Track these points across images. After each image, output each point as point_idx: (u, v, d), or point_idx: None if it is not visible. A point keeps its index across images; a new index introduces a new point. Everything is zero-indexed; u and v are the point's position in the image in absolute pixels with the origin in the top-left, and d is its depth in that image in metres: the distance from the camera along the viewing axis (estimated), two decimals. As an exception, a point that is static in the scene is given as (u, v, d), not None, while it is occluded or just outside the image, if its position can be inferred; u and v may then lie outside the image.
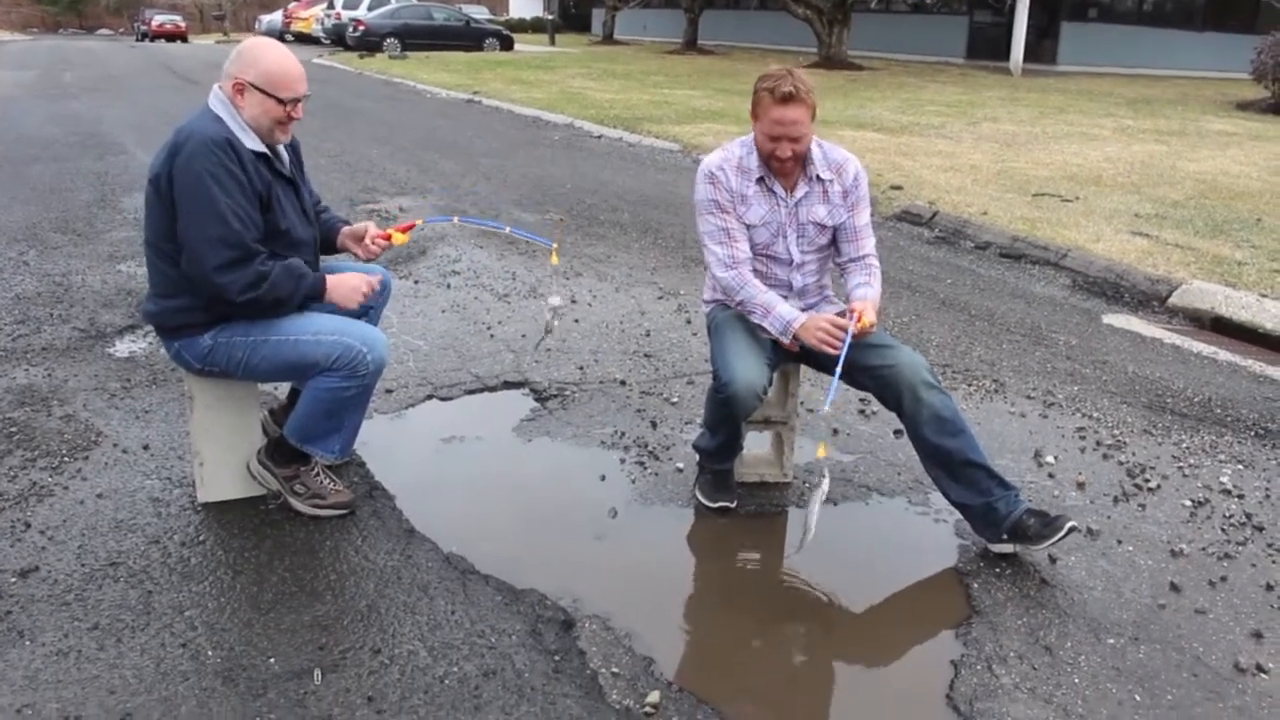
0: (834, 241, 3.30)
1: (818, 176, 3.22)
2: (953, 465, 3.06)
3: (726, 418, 3.14)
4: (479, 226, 2.97)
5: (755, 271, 3.24)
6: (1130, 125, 14.22)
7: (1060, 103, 17.25)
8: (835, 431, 3.96)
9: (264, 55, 2.95)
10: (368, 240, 3.30)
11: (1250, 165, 10.76)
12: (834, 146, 3.32)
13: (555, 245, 3.30)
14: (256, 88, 2.91)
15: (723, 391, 3.04)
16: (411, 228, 3.33)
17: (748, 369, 3.02)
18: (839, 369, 2.93)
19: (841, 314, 3.13)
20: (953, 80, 21.54)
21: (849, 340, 2.96)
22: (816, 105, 3.12)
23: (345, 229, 3.36)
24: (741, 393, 3.00)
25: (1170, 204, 8.41)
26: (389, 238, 3.30)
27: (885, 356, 3.08)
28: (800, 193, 3.22)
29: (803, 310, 3.20)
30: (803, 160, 3.19)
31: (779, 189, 3.21)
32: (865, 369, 3.10)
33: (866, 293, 3.17)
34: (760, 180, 3.21)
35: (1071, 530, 2.96)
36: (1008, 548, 3.09)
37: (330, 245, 3.36)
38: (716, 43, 32.67)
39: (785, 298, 3.21)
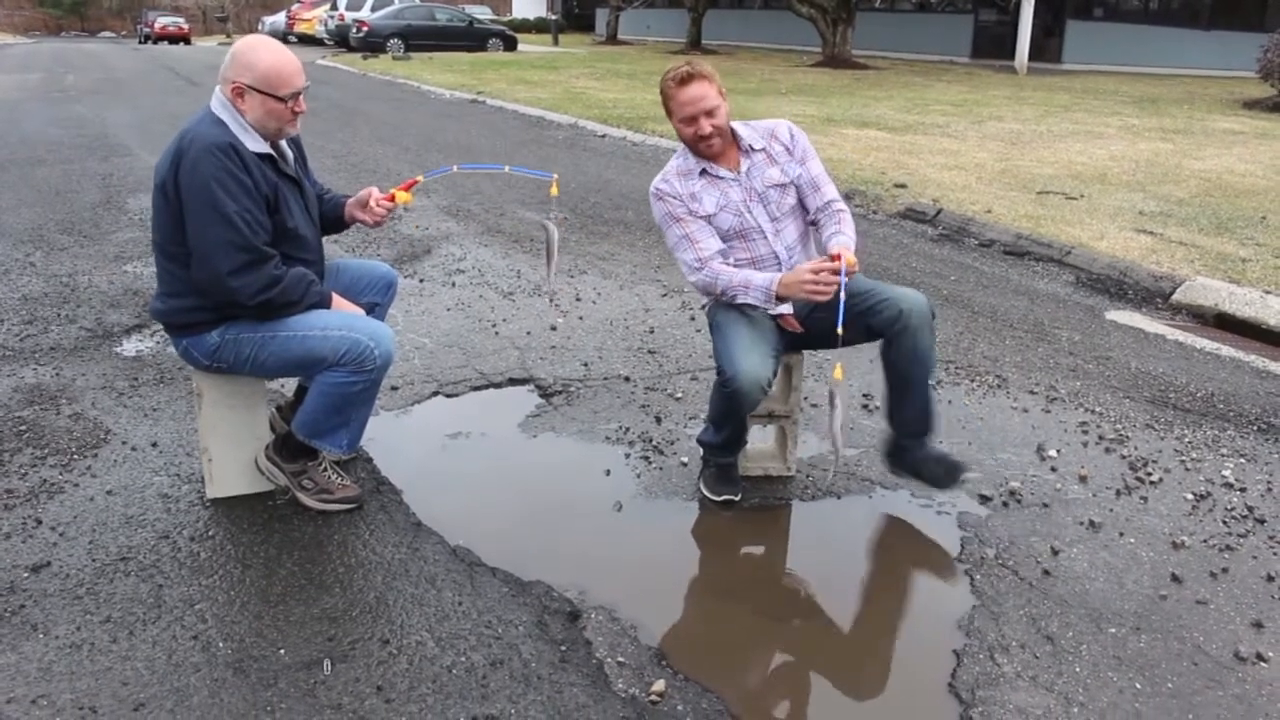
0: (799, 201, 3.33)
1: (752, 148, 3.28)
2: (910, 400, 3.28)
3: (732, 411, 3.16)
4: (479, 170, 3.00)
5: (741, 258, 3.28)
6: (1135, 123, 14.21)
7: (1065, 101, 17.25)
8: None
9: (258, 56, 2.95)
10: (372, 204, 3.31)
11: (1255, 163, 10.76)
12: (756, 121, 3.38)
13: (555, 177, 3.30)
14: (256, 89, 2.93)
15: (728, 385, 3.05)
16: (413, 185, 3.33)
17: (752, 362, 3.04)
18: (843, 295, 2.91)
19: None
20: (958, 79, 21.54)
21: (844, 279, 2.93)
22: (721, 85, 3.19)
23: (350, 200, 3.38)
24: (746, 385, 3.01)
25: (1175, 202, 8.41)
26: (393, 199, 3.31)
27: (884, 291, 3.18)
28: (745, 165, 3.27)
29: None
30: (730, 137, 3.26)
31: (723, 172, 3.26)
32: (867, 310, 3.15)
33: (841, 239, 3.14)
34: (703, 173, 3.27)
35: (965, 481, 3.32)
36: (901, 474, 3.44)
37: (339, 220, 3.38)
38: (720, 42, 32.70)
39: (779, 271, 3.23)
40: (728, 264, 3.25)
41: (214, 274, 2.89)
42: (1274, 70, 17.21)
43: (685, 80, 3.15)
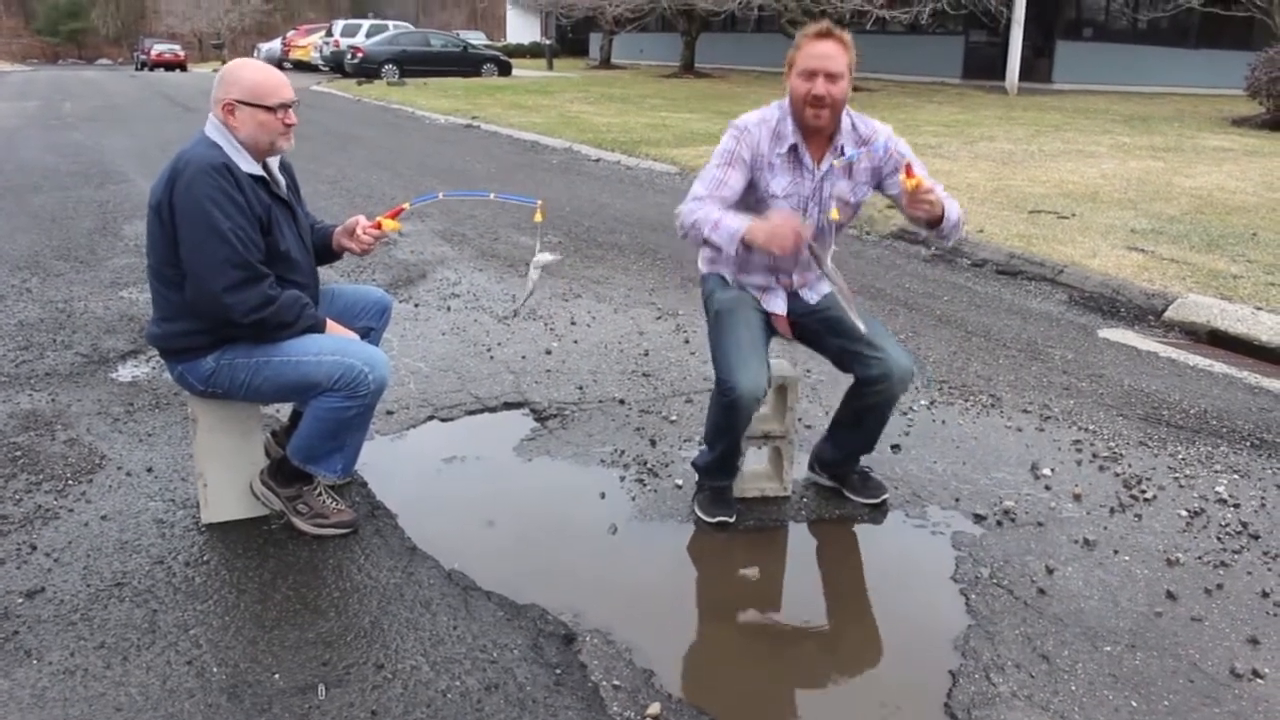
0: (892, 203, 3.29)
1: (843, 150, 3.16)
2: (859, 434, 3.46)
3: (728, 422, 3.18)
4: (464, 198, 3.04)
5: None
6: (1126, 142, 14.29)
7: (1056, 121, 17.33)
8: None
9: (243, 72, 3.03)
10: (359, 232, 3.32)
11: (1245, 180, 10.82)
12: (867, 119, 3.25)
13: (540, 203, 3.29)
14: (245, 103, 2.98)
15: (726, 395, 3.09)
16: (399, 212, 3.34)
17: (749, 374, 3.06)
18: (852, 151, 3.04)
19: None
20: (949, 100, 21.65)
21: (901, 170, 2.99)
22: (854, 64, 3.09)
23: (338, 229, 3.40)
24: (745, 399, 3.06)
25: (1166, 219, 8.45)
26: (379, 226, 3.32)
27: (878, 340, 3.23)
28: (826, 164, 3.18)
29: (799, 286, 3.30)
30: (835, 122, 3.13)
31: (807, 159, 3.16)
32: (853, 349, 3.23)
33: (935, 187, 3.04)
34: (791, 150, 3.15)
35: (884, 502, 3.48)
36: (821, 478, 3.64)
37: (328, 250, 3.40)
38: (713, 66, 32.85)
39: (790, 275, 3.26)
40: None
41: (209, 291, 2.90)
42: (1261, 88, 17.32)
43: (823, 35, 3.05)
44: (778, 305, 3.32)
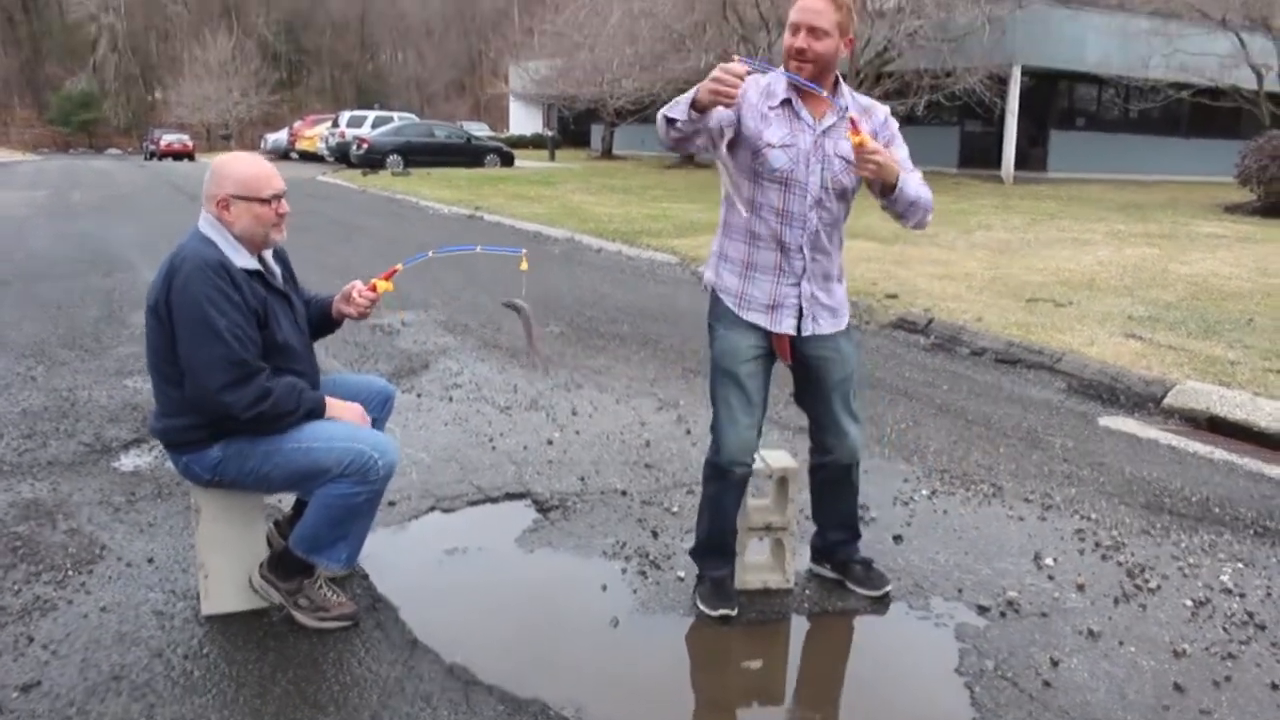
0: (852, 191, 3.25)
1: (846, 110, 3.10)
2: (835, 513, 3.57)
3: (715, 477, 3.31)
4: (453, 253, 3.14)
5: (769, 208, 3.16)
6: (1121, 230, 14.47)
7: (1052, 209, 17.57)
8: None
9: (233, 167, 3.10)
10: (355, 295, 3.39)
11: (1240, 266, 10.94)
12: (867, 97, 3.27)
13: (524, 252, 3.35)
14: (238, 197, 3.05)
15: (715, 455, 3.28)
16: (394, 273, 3.42)
17: (737, 436, 3.22)
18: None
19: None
20: (946, 189, 21.94)
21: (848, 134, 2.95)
22: (849, 26, 3.05)
23: (336, 297, 3.46)
24: (727, 461, 3.24)
25: (1163, 306, 8.53)
26: (375, 288, 3.40)
27: (842, 422, 3.35)
28: (828, 121, 3.11)
29: (803, 280, 3.21)
30: (827, 80, 3.09)
31: (805, 114, 3.10)
32: (815, 412, 3.39)
33: (899, 161, 3.09)
34: (785, 104, 3.10)
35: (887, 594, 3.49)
36: (824, 569, 3.63)
37: (328, 320, 3.46)
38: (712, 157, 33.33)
39: (800, 248, 3.17)
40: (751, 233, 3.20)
41: (206, 390, 2.94)
42: (1252, 175, 17.63)
43: None
44: (786, 324, 3.22)
